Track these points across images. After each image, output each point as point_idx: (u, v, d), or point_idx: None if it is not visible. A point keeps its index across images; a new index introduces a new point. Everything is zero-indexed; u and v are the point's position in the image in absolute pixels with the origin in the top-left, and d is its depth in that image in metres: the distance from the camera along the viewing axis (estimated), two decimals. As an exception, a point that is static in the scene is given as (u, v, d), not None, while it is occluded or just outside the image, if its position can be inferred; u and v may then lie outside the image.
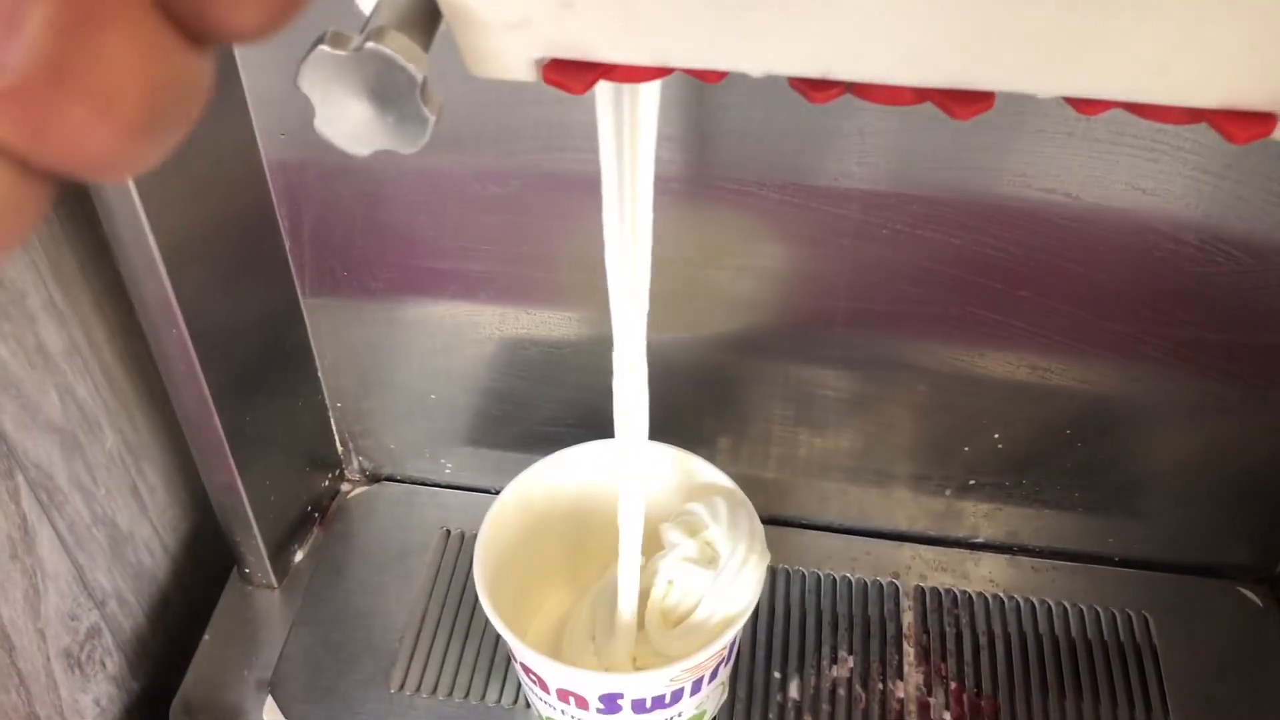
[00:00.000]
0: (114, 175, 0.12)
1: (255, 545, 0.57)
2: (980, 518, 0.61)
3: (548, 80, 0.28)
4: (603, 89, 0.33)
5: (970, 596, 0.59)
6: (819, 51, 0.27)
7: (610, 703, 0.46)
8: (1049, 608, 0.58)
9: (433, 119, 0.28)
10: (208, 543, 0.62)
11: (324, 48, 0.27)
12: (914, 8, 0.25)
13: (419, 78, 0.27)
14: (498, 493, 0.51)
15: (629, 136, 0.34)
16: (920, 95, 0.28)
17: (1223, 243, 0.46)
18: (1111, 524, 0.59)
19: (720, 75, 0.28)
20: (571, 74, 0.28)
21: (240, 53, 0.45)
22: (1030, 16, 0.24)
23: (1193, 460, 0.55)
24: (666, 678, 0.45)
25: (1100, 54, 0.25)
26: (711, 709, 0.52)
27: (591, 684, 0.46)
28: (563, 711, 0.48)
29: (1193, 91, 0.26)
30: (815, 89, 0.28)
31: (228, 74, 0.45)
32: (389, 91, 0.27)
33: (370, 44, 0.27)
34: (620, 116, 0.33)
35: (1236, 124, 0.26)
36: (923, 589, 0.59)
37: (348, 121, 0.28)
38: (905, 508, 0.61)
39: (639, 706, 0.47)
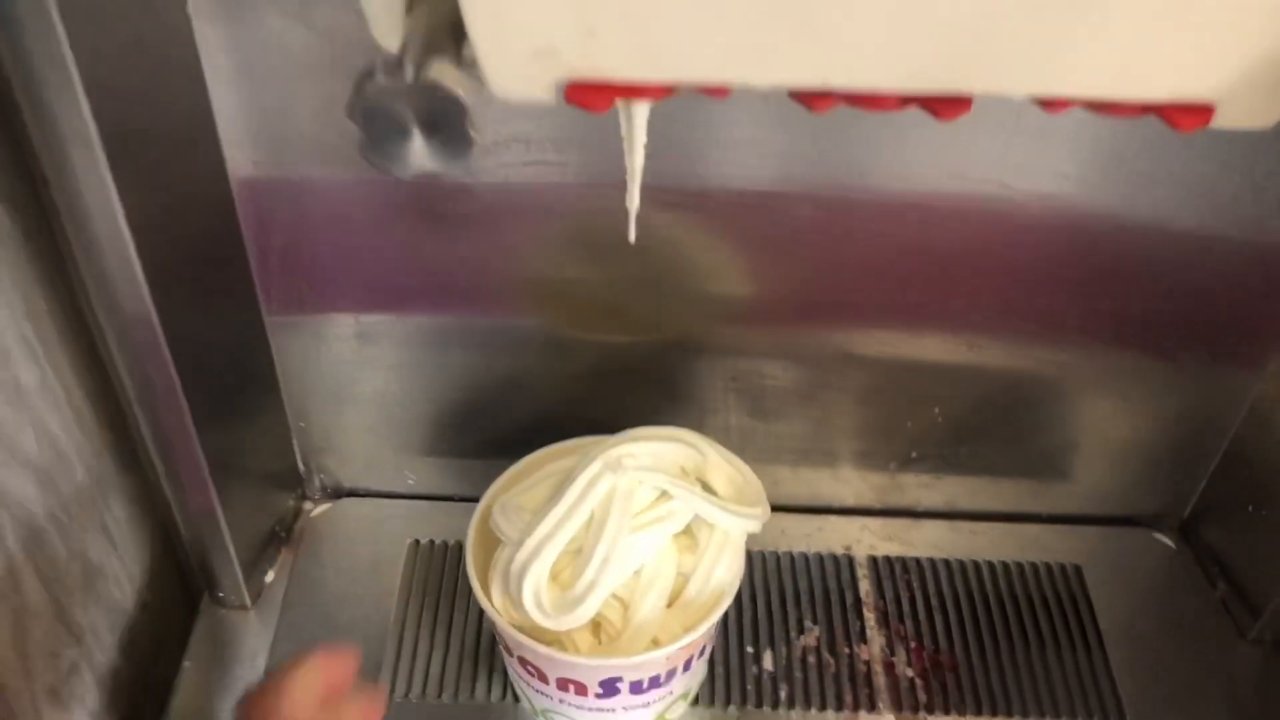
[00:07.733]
0: None
1: (231, 569, 0.57)
2: (921, 489, 0.65)
3: (570, 100, 0.31)
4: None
5: (919, 562, 0.63)
6: (819, 65, 0.30)
7: (609, 687, 0.49)
8: (991, 566, 0.63)
9: (478, 140, 0.30)
10: (171, 572, 0.62)
11: (377, 77, 0.29)
12: (904, 26, 0.28)
13: (469, 104, 0.29)
14: (463, 500, 0.52)
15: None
16: (906, 101, 0.31)
17: (1135, 223, 0.51)
18: (1040, 485, 0.64)
19: (728, 90, 0.31)
20: (592, 95, 0.30)
21: (209, 73, 0.45)
22: (1005, 31, 0.28)
23: (1112, 421, 0.61)
24: (663, 656, 0.48)
25: (1066, 59, 0.29)
26: (695, 686, 0.55)
27: (591, 670, 0.48)
28: (561, 700, 0.50)
29: (1145, 87, 0.29)
30: (815, 100, 0.31)
31: (196, 94, 0.46)
32: (437, 118, 0.29)
33: (423, 74, 0.29)
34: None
35: (1182, 115, 0.30)
36: (875, 558, 0.63)
37: (396, 146, 0.30)
38: (852, 484, 0.65)
39: (636, 688, 0.49)
